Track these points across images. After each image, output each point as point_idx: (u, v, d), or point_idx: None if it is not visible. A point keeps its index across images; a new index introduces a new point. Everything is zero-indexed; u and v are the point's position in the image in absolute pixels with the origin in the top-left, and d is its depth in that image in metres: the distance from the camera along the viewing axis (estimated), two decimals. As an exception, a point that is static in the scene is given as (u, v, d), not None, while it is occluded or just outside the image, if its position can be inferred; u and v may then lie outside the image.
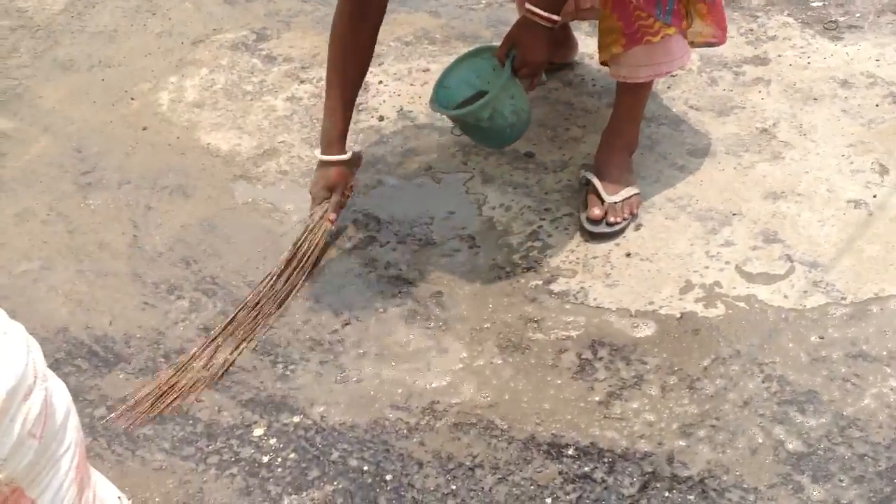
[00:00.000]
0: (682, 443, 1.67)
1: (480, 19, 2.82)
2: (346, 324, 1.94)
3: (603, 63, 2.10)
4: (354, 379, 1.83)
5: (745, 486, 1.59)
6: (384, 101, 2.52)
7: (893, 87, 2.40)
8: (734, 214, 2.11)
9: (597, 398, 1.76)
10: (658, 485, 1.60)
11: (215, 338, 1.92)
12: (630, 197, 2.11)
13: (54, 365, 1.87)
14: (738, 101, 2.41)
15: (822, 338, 1.81)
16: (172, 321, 1.99)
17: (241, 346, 1.90)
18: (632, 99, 2.13)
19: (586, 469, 1.64)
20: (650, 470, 1.63)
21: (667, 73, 2.08)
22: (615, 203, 2.09)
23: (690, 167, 2.24)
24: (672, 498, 1.58)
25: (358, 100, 2.52)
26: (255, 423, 1.77)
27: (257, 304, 1.98)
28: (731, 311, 1.89)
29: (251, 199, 2.28)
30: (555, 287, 1.98)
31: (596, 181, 2.12)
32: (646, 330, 1.87)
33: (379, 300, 1.98)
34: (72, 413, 1.32)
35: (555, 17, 1.93)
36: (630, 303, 1.93)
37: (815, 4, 2.72)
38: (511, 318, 1.92)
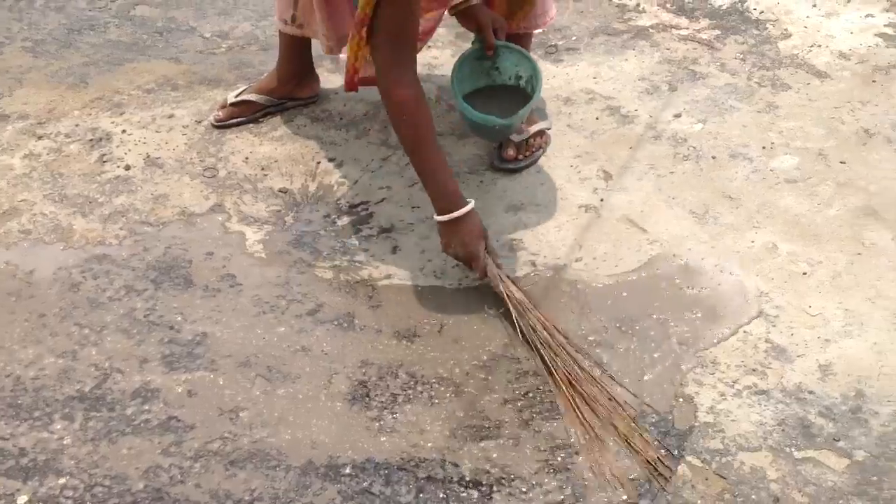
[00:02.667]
0: (450, 445, 1.76)
1: (223, 63, 2.84)
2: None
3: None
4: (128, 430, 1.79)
5: (513, 475, 1.70)
6: (129, 150, 2.49)
7: (609, 101, 2.65)
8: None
9: (370, 414, 1.82)
10: (432, 487, 1.68)
11: None
12: (538, 132, 2.42)
13: None
14: (476, 123, 2.58)
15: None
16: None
17: None
18: (523, 45, 2.39)
19: (364, 485, 1.69)
20: (424, 476, 1.71)
21: (553, 18, 2.42)
22: (525, 140, 2.39)
23: (437, 188, 2.36)
24: (447, 498, 1.67)
25: (101, 150, 2.48)
26: (18, 490, 1.69)
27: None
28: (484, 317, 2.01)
29: (-6, 262, 2.18)
30: (321, 316, 2.03)
31: None
32: (412, 345, 1.96)
33: (140, 348, 1.95)
34: None
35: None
36: (394, 323, 2.01)
37: (535, 32, 2.95)
38: (279, 351, 1.95)
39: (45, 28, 3.00)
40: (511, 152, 2.40)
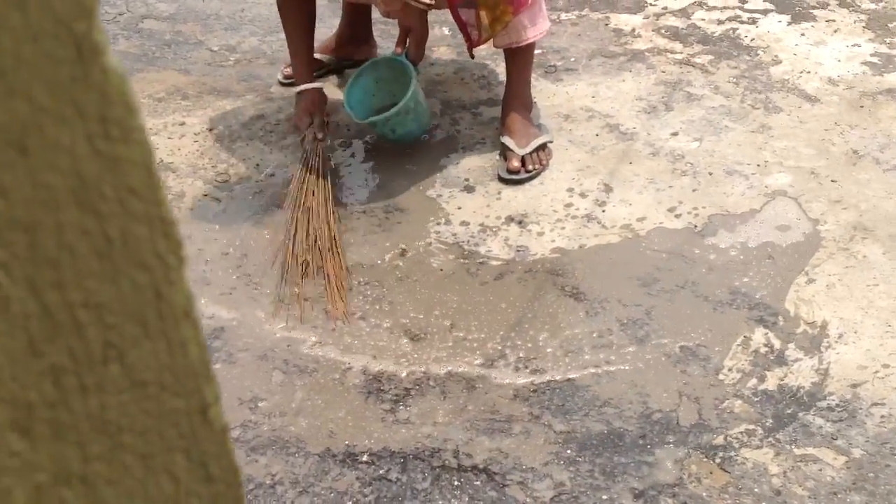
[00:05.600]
0: (464, 436, 1.81)
1: (231, 75, 2.91)
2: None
3: (485, 41, 2.39)
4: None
5: (524, 466, 1.76)
6: (143, 155, 2.54)
7: (608, 118, 2.74)
8: (488, 236, 2.32)
9: (384, 406, 1.87)
10: (447, 476, 1.74)
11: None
12: (540, 146, 2.49)
13: None
14: (479, 137, 2.66)
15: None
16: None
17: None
18: (520, 62, 2.53)
19: (381, 471, 1.74)
20: (439, 464, 1.76)
21: (544, 32, 2.47)
22: (528, 153, 2.46)
23: (444, 196, 2.44)
24: (461, 486, 1.72)
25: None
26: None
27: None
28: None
29: None
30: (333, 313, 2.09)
31: (508, 140, 2.49)
32: (423, 342, 2.02)
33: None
34: None
35: (431, 1, 2.24)
36: (404, 320, 2.07)
37: (536, 52, 3.04)
38: (295, 346, 2.00)
39: (55, 37, 3.06)
40: (515, 164, 2.48)
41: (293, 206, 2.28)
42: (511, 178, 2.48)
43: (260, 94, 2.73)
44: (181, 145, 2.59)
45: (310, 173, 2.36)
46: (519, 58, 2.53)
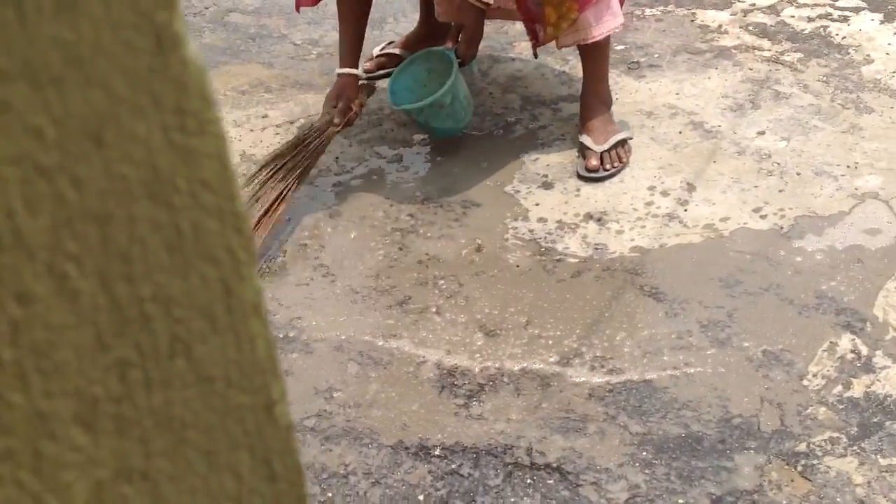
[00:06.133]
0: (537, 434, 1.80)
1: (313, 68, 2.94)
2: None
3: (550, 39, 2.38)
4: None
5: (598, 466, 1.74)
6: (226, 147, 2.58)
7: (692, 115, 2.69)
8: (566, 233, 2.29)
9: (457, 402, 1.87)
10: (520, 473, 1.72)
11: None
12: (619, 143, 2.46)
13: None
14: (559, 133, 2.63)
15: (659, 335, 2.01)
16: None
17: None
18: (594, 59, 2.50)
19: (454, 466, 1.74)
20: (511, 461, 1.75)
21: (612, 29, 2.41)
22: (607, 150, 2.44)
23: (522, 192, 2.42)
24: (533, 484, 1.71)
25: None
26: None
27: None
28: (571, 316, 2.05)
29: None
30: (408, 307, 2.09)
31: (586, 138, 2.47)
32: (497, 338, 2.01)
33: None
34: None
35: (489, 0, 2.29)
36: (479, 316, 2.06)
37: (618, 48, 3.00)
38: (370, 338, 2.01)
39: (145, 30, 3.13)
40: (594, 162, 2.45)
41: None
42: (590, 177, 2.45)
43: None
44: (263, 137, 2.62)
45: (299, 148, 2.39)
46: (592, 55, 2.50)
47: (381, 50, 2.86)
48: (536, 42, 2.38)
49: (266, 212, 2.23)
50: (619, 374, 1.93)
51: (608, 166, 2.46)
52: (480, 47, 2.67)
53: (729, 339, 2.00)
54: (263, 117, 2.72)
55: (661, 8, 3.22)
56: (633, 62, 2.95)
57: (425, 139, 2.62)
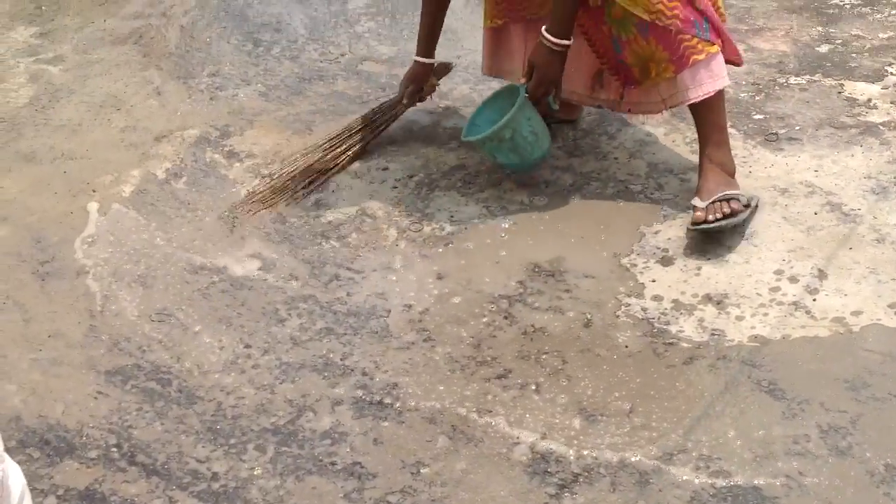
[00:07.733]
0: (631, 536, 1.70)
1: (437, 122, 2.92)
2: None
3: (642, 92, 2.48)
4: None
5: (693, 579, 1.62)
6: (344, 199, 2.59)
7: (831, 196, 2.53)
8: (681, 315, 2.18)
9: (548, 490, 1.78)
10: (607, 578, 1.62)
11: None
12: (724, 196, 2.36)
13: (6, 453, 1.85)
14: (684, 205, 2.51)
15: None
16: (125, 410, 1.99)
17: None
18: (705, 122, 2.46)
19: (537, 562, 1.65)
20: (600, 563, 1.65)
21: (711, 91, 2.38)
22: (710, 203, 2.35)
23: (638, 266, 2.32)
24: (621, 591, 1.60)
25: (318, 195, 2.61)
26: None
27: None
28: (678, 407, 1.94)
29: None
30: (507, 382, 2.02)
31: (695, 199, 2.40)
32: (597, 423, 1.91)
33: (334, 390, 2.00)
34: (26, 496, 1.31)
35: (565, 42, 2.37)
36: (580, 397, 1.97)
37: (756, 117, 2.87)
38: (464, 411, 1.95)
39: (279, 75, 3.18)
40: (699, 214, 2.36)
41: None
42: (697, 230, 2.36)
43: (464, 143, 2.72)
44: (380, 190, 2.62)
45: (373, 120, 2.78)
46: (701, 116, 2.47)
47: None
48: (621, 94, 2.49)
49: (323, 172, 2.63)
50: (726, 476, 1.80)
51: (711, 217, 2.34)
52: (606, 110, 2.63)
53: (850, 449, 1.84)
54: (384, 170, 2.71)
55: (808, 77, 3.06)
56: (771, 133, 2.81)
57: (542, 202, 2.55)
